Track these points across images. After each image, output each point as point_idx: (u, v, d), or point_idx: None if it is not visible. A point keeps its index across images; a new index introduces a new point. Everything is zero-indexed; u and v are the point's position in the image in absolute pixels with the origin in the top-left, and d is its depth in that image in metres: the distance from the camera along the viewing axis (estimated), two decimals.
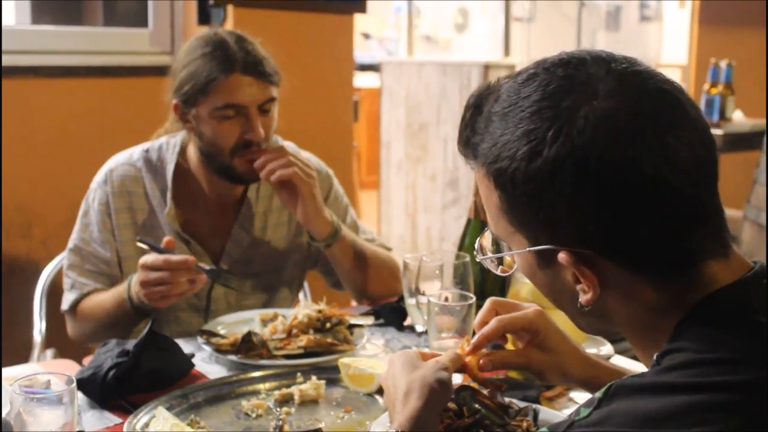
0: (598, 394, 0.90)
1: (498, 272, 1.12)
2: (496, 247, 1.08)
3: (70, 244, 2.04)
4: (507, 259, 1.08)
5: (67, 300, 2.01)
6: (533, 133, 0.90)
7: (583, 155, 0.87)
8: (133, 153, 2.07)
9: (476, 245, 1.12)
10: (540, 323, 1.25)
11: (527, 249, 0.97)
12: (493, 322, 1.25)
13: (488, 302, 1.30)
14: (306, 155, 2.20)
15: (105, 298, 1.95)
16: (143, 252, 1.83)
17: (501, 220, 0.99)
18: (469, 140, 1.00)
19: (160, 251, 1.79)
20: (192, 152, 2.05)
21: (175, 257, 1.75)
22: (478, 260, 1.12)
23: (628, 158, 0.87)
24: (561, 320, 1.29)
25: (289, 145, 2.18)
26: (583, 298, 0.95)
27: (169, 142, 2.07)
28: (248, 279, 2.10)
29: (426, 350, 1.29)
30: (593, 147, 0.87)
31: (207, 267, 1.82)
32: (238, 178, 2.00)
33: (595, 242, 0.91)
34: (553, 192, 0.90)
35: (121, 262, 2.01)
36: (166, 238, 1.82)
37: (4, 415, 1.30)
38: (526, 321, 1.26)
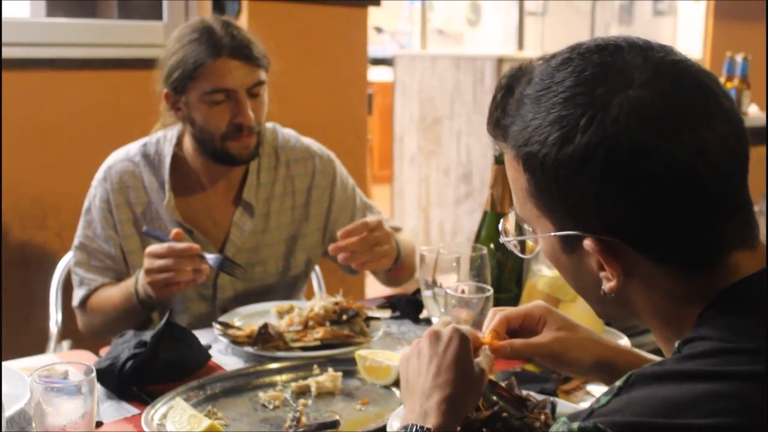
0: (618, 383, 0.89)
1: (519, 254, 1.11)
2: (519, 230, 1.07)
3: (76, 241, 2.06)
4: (529, 242, 1.08)
5: (77, 296, 2.04)
6: (566, 119, 0.90)
7: (615, 144, 0.87)
8: (131, 149, 2.09)
9: (500, 227, 1.11)
10: (539, 311, 1.25)
11: (553, 233, 0.97)
12: (494, 315, 1.25)
13: (492, 313, 1.28)
14: (308, 141, 2.20)
15: (113, 293, 1.97)
16: (147, 245, 1.84)
17: (527, 203, 0.99)
18: (499, 121, 0.99)
19: (166, 242, 1.81)
20: (188, 142, 2.06)
21: (179, 244, 1.77)
22: (501, 242, 1.12)
23: (660, 150, 0.86)
24: (576, 315, 1.28)
25: (290, 133, 2.19)
26: (607, 285, 0.95)
27: (167, 135, 2.08)
28: (255, 266, 2.11)
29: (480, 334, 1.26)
30: (626, 137, 0.87)
31: (211, 256, 1.83)
32: (233, 160, 2.01)
33: (622, 231, 0.91)
34: (582, 179, 0.89)
35: (126, 257, 2.02)
36: (174, 230, 1.84)
37: (23, 405, 1.31)
38: (525, 310, 1.26)
